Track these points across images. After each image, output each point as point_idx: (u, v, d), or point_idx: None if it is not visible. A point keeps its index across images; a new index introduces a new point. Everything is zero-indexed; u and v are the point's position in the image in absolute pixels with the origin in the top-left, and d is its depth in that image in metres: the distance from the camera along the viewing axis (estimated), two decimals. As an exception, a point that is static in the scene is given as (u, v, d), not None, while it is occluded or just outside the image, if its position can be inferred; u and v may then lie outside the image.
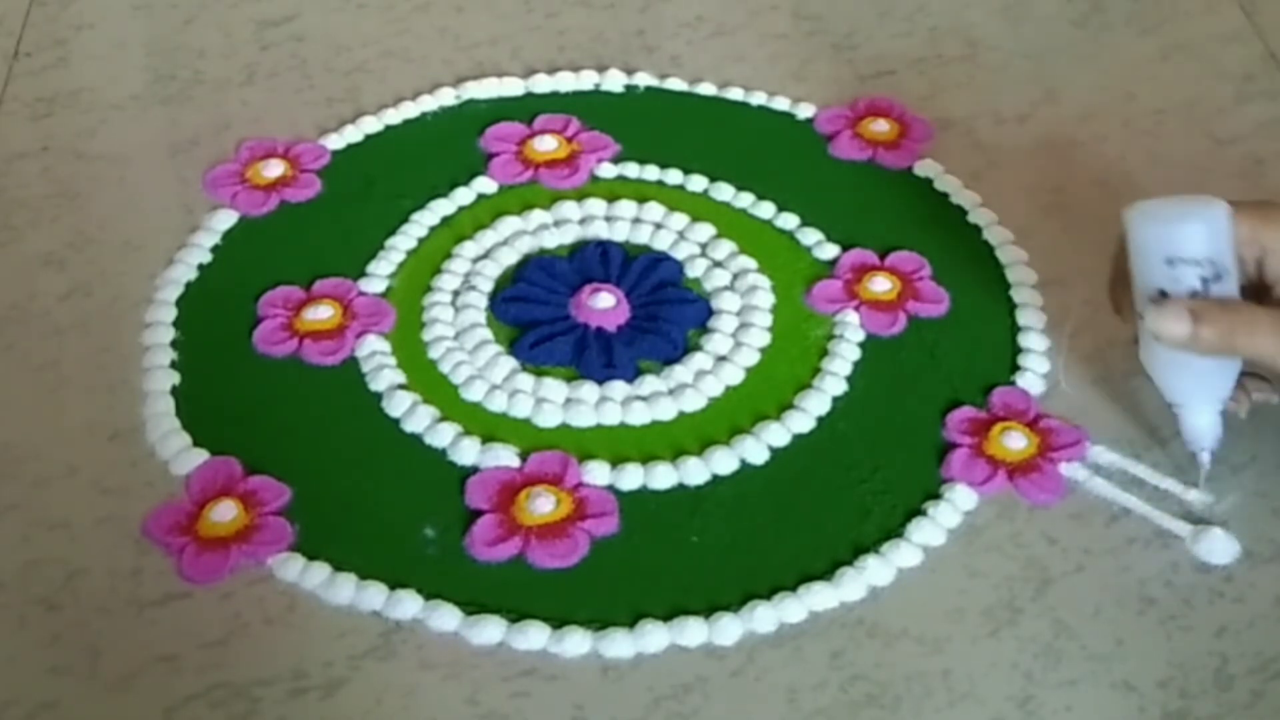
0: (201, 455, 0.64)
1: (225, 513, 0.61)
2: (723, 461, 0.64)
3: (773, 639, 0.58)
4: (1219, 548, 0.61)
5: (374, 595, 0.59)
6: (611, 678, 0.57)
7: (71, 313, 0.71)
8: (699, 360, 0.68)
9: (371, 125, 0.81)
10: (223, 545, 0.60)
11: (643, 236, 0.75)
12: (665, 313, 0.70)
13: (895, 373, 0.68)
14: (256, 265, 0.73)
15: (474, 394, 0.67)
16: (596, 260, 0.73)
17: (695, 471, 0.64)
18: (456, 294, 0.72)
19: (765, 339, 0.70)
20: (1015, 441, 0.65)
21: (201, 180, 0.77)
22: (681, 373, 0.68)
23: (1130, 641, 0.58)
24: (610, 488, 0.63)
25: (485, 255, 0.74)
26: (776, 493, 0.63)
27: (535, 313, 0.70)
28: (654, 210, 0.76)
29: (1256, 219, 0.61)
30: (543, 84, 0.84)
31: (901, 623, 0.58)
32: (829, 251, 0.74)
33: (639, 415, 0.66)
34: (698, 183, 0.78)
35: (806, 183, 0.78)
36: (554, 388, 0.67)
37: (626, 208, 0.76)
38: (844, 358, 0.69)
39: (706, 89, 0.84)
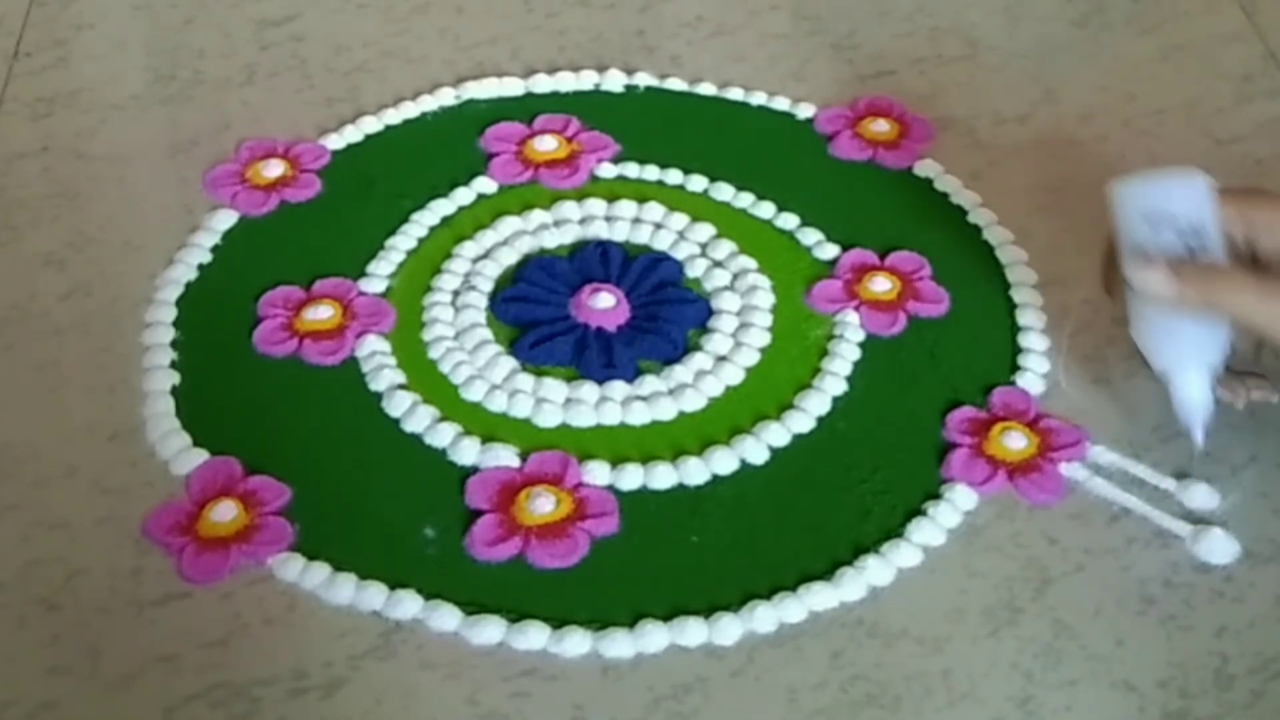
0: (201, 455, 0.64)
1: (225, 513, 0.61)
2: (723, 461, 0.64)
3: (773, 639, 0.58)
4: (1219, 548, 0.61)
5: (374, 595, 0.59)
6: (611, 678, 0.57)
7: (71, 313, 0.71)
8: (699, 360, 0.68)
9: (371, 125, 0.81)
10: (223, 545, 0.60)
11: (643, 236, 0.75)
12: (665, 313, 0.70)
13: (895, 373, 0.68)
14: (256, 265, 0.73)
15: (474, 394, 0.67)
16: (596, 260, 0.73)
17: (695, 471, 0.64)
18: (456, 294, 0.72)
19: (765, 339, 0.70)
20: (1015, 441, 0.65)
21: (201, 180, 0.77)
22: (681, 373, 0.68)
23: (1130, 641, 0.58)
24: (610, 488, 0.63)
25: (485, 255, 0.74)
26: (776, 493, 0.63)
27: (535, 313, 0.70)
28: (654, 210, 0.76)
29: (1243, 200, 0.62)
30: (543, 84, 0.84)
31: (901, 623, 0.58)
32: (829, 251, 0.74)
33: (639, 415, 0.66)
34: (698, 183, 0.78)
35: (806, 183, 0.78)
36: (554, 388, 0.67)
37: (626, 208, 0.76)
38: (844, 358, 0.69)
39: (706, 89, 0.84)
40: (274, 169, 0.78)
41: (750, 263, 0.73)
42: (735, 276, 0.72)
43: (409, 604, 0.59)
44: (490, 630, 0.58)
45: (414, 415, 0.66)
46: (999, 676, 0.57)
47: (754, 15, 0.90)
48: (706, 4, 0.90)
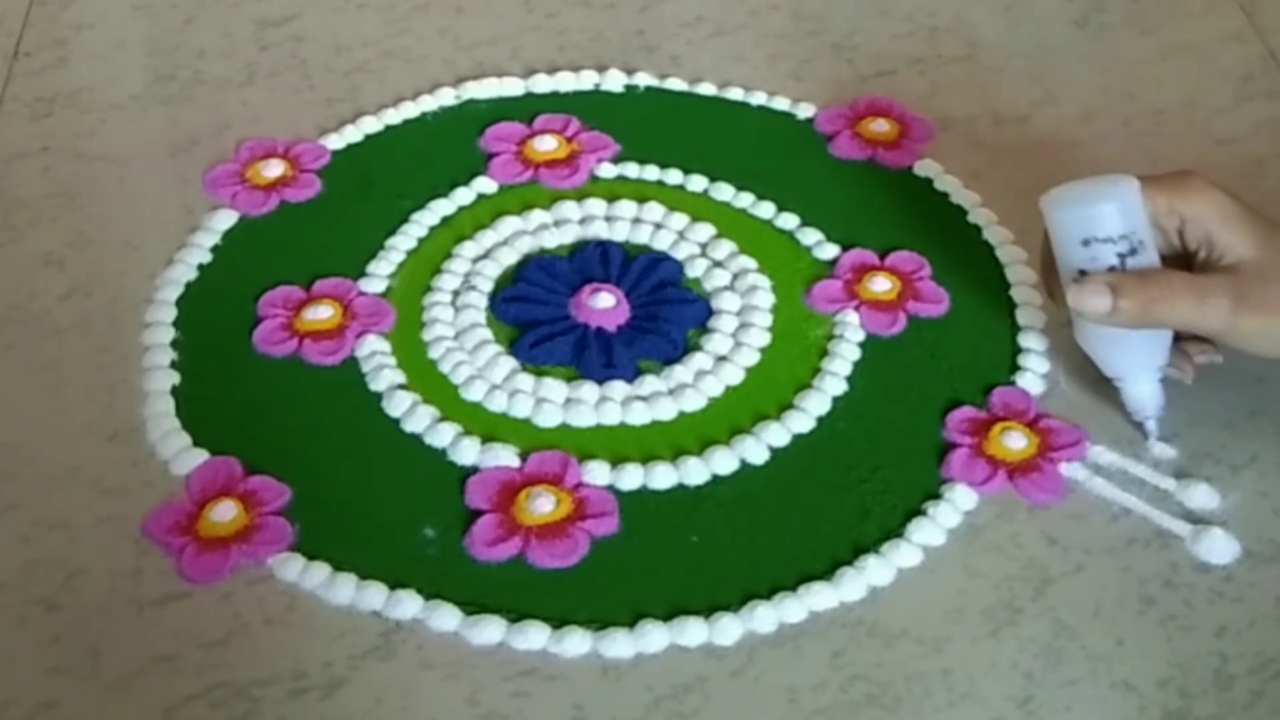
0: (201, 455, 0.64)
1: (225, 513, 0.61)
2: (723, 461, 0.64)
3: (773, 639, 0.58)
4: (1219, 548, 0.61)
5: (374, 595, 0.59)
6: (611, 678, 0.57)
7: (71, 313, 0.71)
8: (699, 360, 0.68)
9: (371, 125, 0.81)
10: (223, 545, 0.60)
11: (643, 236, 0.75)
12: (665, 313, 0.70)
13: (895, 373, 0.68)
14: (256, 265, 0.73)
15: (474, 394, 0.67)
16: (596, 260, 0.73)
17: (695, 471, 0.64)
18: (456, 294, 0.72)
19: (765, 339, 0.70)
20: (1015, 441, 0.65)
21: (201, 180, 0.77)
22: (681, 373, 0.68)
23: (1130, 641, 0.58)
24: (610, 488, 0.63)
25: (485, 255, 0.74)
26: (776, 493, 0.63)
27: (535, 313, 0.70)
28: (654, 210, 0.76)
29: (1171, 191, 0.63)
30: (543, 84, 0.84)
31: (901, 623, 0.58)
32: (829, 251, 0.74)
33: (639, 415, 0.66)
34: (698, 183, 0.78)
35: (806, 183, 0.78)
36: (554, 388, 0.67)
37: (626, 208, 0.76)
38: (844, 358, 0.69)
39: (706, 89, 0.84)
40: (274, 169, 0.78)
41: (750, 263, 0.73)
42: (735, 276, 0.72)
43: (409, 604, 0.59)
44: (490, 630, 0.58)
45: (414, 415, 0.66)
46: (999, 676, 0.57)
47: (754, 15, 0.90)
48: (706, 4, 0.90)
